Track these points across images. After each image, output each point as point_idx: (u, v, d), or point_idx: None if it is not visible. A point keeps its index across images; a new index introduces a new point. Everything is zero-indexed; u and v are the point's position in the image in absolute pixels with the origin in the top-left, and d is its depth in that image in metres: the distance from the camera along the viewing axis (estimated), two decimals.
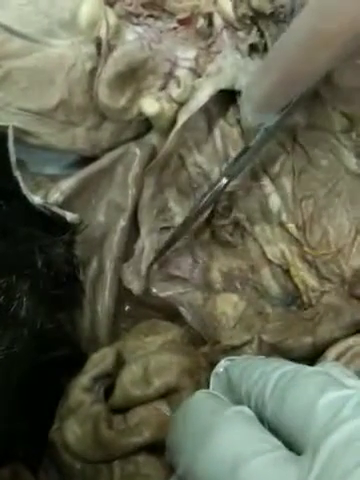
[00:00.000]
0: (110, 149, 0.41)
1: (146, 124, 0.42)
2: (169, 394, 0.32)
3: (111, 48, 0.38)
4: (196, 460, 0.25)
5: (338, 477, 0.21)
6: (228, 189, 0.42)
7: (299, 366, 0.28)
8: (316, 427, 0.23)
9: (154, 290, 0.42)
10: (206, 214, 0.42)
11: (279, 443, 0.25)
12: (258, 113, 0.39)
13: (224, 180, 0.40)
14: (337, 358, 0.33)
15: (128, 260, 0.42)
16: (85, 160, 0.42)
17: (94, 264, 0.40)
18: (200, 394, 0.30)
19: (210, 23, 0.41)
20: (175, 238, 0.42)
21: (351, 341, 0.34)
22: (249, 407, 0.27)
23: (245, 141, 0.41)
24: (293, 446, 0.24)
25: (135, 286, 0.41)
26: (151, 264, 0.42)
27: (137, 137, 0.42)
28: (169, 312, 0.42)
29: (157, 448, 0.30)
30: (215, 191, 0.40)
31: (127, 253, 0.42)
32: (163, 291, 0.42)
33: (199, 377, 0.34)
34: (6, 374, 0.29)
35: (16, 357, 0.30)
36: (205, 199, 0.41)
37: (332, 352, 0.34)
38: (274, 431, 0.26)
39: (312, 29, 0.32)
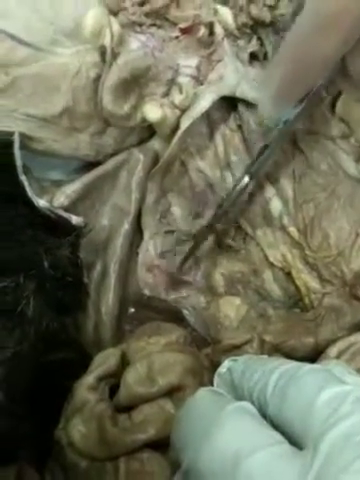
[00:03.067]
0: (114, 154, 0.42)
1: (149, 130, 0.43)
2: (173, 392, 0.33)
3: (115, 56, 0.39)
4: (199, 455, 0.26)
5: (338, 470, 0.21)
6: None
7: (299, 364, 0.28)
8: (316, 423, 0.24)
9: (158, 293, 0.43)
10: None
11: (281, 438, 0.25)
12: (276, 107, 0.39)
13: (246, 178, 0.40)
14: (338, 355, 0.34)
15: (132, 263, 0.42)
16: (89, 166, 0.42)
17: (98, 267, 0.41)
18: (202, 392, 0.30)
19: (211, 32, 0.42)
20: (199, 241, 0.42)
21: (352, 338, 0.34)
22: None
23: (265, 139, 0.41)
24: (295, 442, 0.25)
25: (145, 288, 0.42)
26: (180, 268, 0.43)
27: (140, 143, 0.43)
28: (173, 315, 0.42)
29: (161, 445, 0.31)
30: (238, 190, 0.41)
31: (131, 256, 0.42)
32: (167, 294, 0.43)
33: (202, 377, 0.34)
34: (13, 372, 0.29)
35: (23, 356, 0.30)
36: (230, 199, 0.41)
37: (333, 349, 0.34)
38: (276, 428, 0.26)
39: (317, 13, 0.32)
